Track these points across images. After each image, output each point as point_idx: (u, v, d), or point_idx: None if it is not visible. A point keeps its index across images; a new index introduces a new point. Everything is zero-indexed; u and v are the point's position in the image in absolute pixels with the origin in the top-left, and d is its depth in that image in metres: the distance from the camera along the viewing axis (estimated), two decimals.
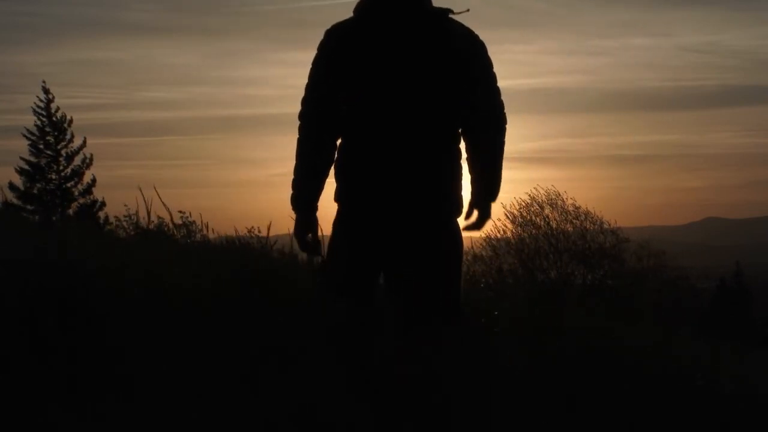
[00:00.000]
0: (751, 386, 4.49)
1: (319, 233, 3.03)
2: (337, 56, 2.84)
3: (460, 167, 2.94)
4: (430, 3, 2.87)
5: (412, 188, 2.80)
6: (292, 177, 2.95)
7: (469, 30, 2.89)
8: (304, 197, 2.93)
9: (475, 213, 2.96)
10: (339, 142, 2.94)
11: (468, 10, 2.86)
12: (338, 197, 2.92)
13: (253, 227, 6.04)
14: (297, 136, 2.94)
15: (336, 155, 2.92)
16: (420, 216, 2.83)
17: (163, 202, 5.01)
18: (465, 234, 2.99)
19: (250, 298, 3.61)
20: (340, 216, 2.94)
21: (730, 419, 3.72)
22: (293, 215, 2.99)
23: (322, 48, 2.90)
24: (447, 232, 2.91)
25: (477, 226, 2.98)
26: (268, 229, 5.24)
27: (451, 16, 2.86)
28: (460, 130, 2.93)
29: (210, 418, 2.84)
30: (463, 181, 2.97)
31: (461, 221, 2.99)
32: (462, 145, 2.98)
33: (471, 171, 2.96)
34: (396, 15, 2.78)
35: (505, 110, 2.96)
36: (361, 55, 2.80)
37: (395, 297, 2.97)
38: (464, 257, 3.09)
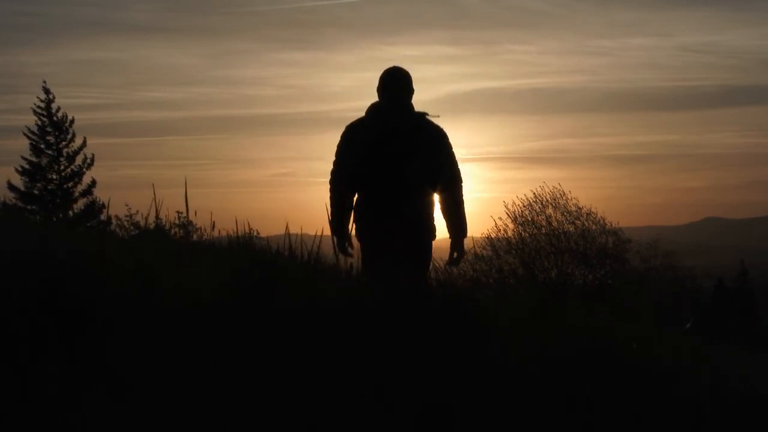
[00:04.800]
0: (750, 386, 4.49)
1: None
2: (353, 143, 4.44)
3: (433, 209, 4.53)
4: (412, 108, 4.48)
5: (404, 225, 4.39)
6: (329, 213, 4.61)
7: (436, 126, 4.51)
8: (338, 228, 4.56)
9: (455, 254, 4.54)
10: (356, 197, 4.51)
11: (438, 116, 4.52)
12: (358, 235, 4.50)
13: (252, 228, 6.04)
14: (327, 185, 4.59)
15: (355, 206, 4.50)
16: (410, 241, 4.42)
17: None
18: (448, 268, 4.61)
19: (249, 298, 3.61)
20: (362, 249, 4.51)
21: (730, 418, 3.72)
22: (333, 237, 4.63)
23: (344, 137, 4.51)
24: (425, 251, 4.53)
25: (455, 263, 4.56)
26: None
27: (426, 117, 4.48)
28: (432, 188, 4.48)
29: (209, 418, 2.84)
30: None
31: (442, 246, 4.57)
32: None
33: (445, 218, 4.53)
34: (391, 118, 4.42)
35: (461, 175, 4.58)
36: (368, 144, 4.38)
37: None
38: (463, 257, 4.71)
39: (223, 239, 5.75)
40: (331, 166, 4.56)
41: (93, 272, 3.54)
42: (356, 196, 4.52)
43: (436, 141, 4.46)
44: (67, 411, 2.71)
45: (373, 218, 4.41)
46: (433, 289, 4.49)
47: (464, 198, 4.56)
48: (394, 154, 4.35)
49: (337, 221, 4.53)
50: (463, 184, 4.58)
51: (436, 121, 4.52)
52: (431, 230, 4.50)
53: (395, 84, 4.46)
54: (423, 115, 4.49)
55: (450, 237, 4.49)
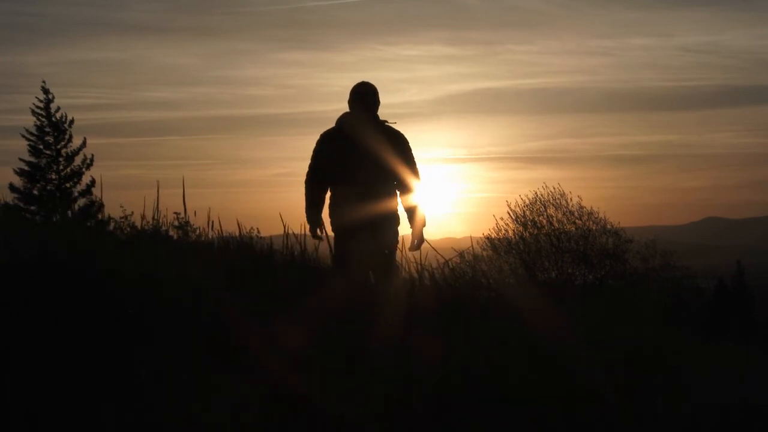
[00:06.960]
0: (750, 386, 4.49)
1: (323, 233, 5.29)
2: (326, 149, 5.17)
3: (397, 210, 5.21)
4: (377, 117, 5.19)
5: (371, 223, 5.04)
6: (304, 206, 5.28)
7: (397, 131, 5.24)
8: (312, 219, 5.23)
9: (415, 242, 5.24)
10: (328, 194, 5.22)
11: (396, 123, 5.24)
12: (333, 229, 5.18)
13: (252, 227, 6.05)
14: (303, 179, 5.27)
15: (329, 203, 5.21)
16: (376, 238, 5.08)
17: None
18: (410, 252, 5.19)
19: (248, 297, 3.62)
20: (335, 240, 5.19)
21: (730, 418, 3.73)
22: (307, 225, 5.27)
23: (318, 144, 5.22)
24: (391, 247, 5.16)
25: (416, 248, 5.21)
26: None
27: (387, 123, 5.18)
28: (395, 184, 5.20)
29: (210, 418, 2.85)
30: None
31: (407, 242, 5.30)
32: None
33: (406, 211, 5.24)
34: (358, 126, 5.11)
35: (419, 174, 5.27)
36: (339, 148, 5.11)
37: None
38: (422, 243, 5.30)
39: (221, 239, 5.75)
40: (307, 168, 5.25)
41: (92, 272, 3.54)
42: (329, 193, 5.22)
43: (398, 145, 5.19)
44: (69, 411, 2.71)
45: (343, 213, 5.08)
46: (399, 273, 5.06)
47: (424, 194, 5.24)
48: (360, 156, 5.05)
49: (310, 211, 5.21)
50: (421, 182, 5.28)
51: (395, 126, 5.25)
52: (396, 234, 5.20)
53: (363, 98, 5.21)
54: (384, 122, 5.22)
55: (410, 227, 5.24)
